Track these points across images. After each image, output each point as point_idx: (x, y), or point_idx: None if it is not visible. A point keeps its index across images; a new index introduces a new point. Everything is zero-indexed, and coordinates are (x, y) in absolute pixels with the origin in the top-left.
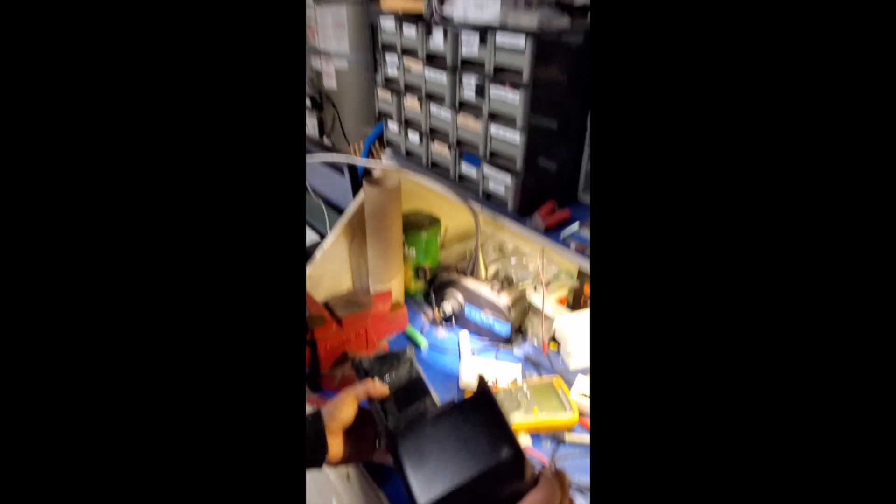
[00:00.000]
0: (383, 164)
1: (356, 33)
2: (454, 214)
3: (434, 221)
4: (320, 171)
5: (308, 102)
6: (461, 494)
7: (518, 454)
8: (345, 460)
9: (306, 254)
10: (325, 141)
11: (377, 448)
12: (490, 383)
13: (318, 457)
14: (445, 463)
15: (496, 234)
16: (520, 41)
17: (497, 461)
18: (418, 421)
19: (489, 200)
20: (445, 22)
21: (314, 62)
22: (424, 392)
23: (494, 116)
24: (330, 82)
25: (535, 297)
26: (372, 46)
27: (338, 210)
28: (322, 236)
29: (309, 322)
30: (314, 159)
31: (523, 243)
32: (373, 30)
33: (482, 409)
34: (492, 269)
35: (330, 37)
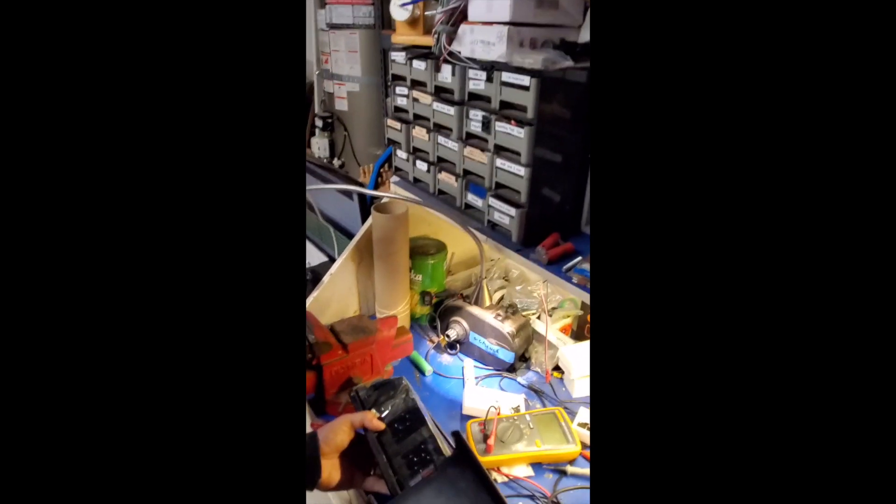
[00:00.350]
0: (393, 196)
1: (368, 57)
2: (460, 241)
3: (441, 248)
4: (329, 196)
5: (319, 124)
6: None
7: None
8: (337, 486)
9: (309, 271)
10: (336, 162)
11: (370, 475)
12: (494, 410)
13: (311, 478)
14: None
15: (502, 261)
16: (525, 80)
17: None
18: (408, 490)
19: (494, 230)
20: (453, 58)
21: (326, 86)
22: (421, 422)
23: (500, 150)
24: (342, 104)
25: (539, 325)
26: (384, 70)
27: (346, 234)
28: (330, 258)
29: (315, 348)
30: (326, 187)
31: (528, 270)
32: (384, 54)
33: (465, 467)
34: (497, 296)
35: (343, 61)
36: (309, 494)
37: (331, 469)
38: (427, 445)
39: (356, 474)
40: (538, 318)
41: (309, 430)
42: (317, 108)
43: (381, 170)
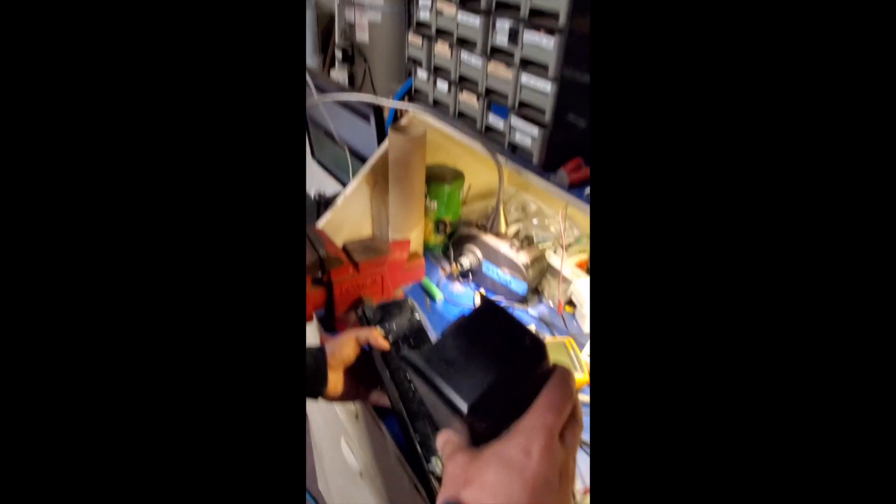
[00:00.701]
0: (411, 106)
1: None
2: (478, 171)
3: (458, 175)
4: (346, 119)
5: (339, 55)
6: (499, 387)
7: (537, 339)
8: (342, 397)
9: (321, 196)
10: None
11: (374, 389)
12: None
13: (317, 388)
14: (475, 365)
15: (519, 194)
16: None
17: (523, 349)
18: (435, 343)
19: (514, 153)
20: None
21: (348, 14)
22: (426, 341)
23: (526, 64)
24: (362, 35)
25: (554, 259)
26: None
27: (362, 159)
28: (345, 186)
29: (326, 262)
30: (344, 97)
31: (546, 205)
32: None
33: (490, 314)
34: (513, 229)
35: None
36: (316, 404)
37: (336, 381)
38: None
39: (360, 388)
40: (554, 252)
41: (317, 343)
42: (337, 39)
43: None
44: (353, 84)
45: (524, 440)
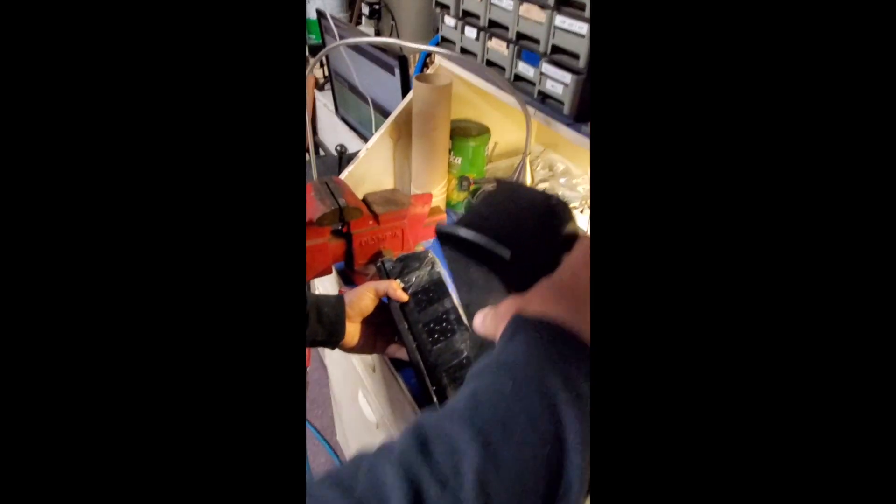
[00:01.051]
0: (437, 50)
1: None
2: (505, 128)
3: (483, 131)
4: (371, 72)
5: (366, 10)
6: (533, 240)
7: (562, 201)
8: (358, 348)
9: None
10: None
11: (392, 342)
12: None
13: (335, 338)
14: (509, 223)
15: (547, 153)
16: None
17: (550, 208)
18: (465, 213)
19: (544, 103)
20: None
21: None
22: (444, 294)
23: (561, 4)
24: None
25: (581, 220)
26: None
27: (385, 114)
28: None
29: (345, 213)
30: (366, 41)
31: (574, 164)
32: None
33: (513, 186)
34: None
35: None
36: (333, 355)
37: (353, 332)
38: (449, 316)
39: (378, 340)
40: (581, 212)
41: (337, 293)
42: None
43: (427, 60)
44: None
45: (569, 271)
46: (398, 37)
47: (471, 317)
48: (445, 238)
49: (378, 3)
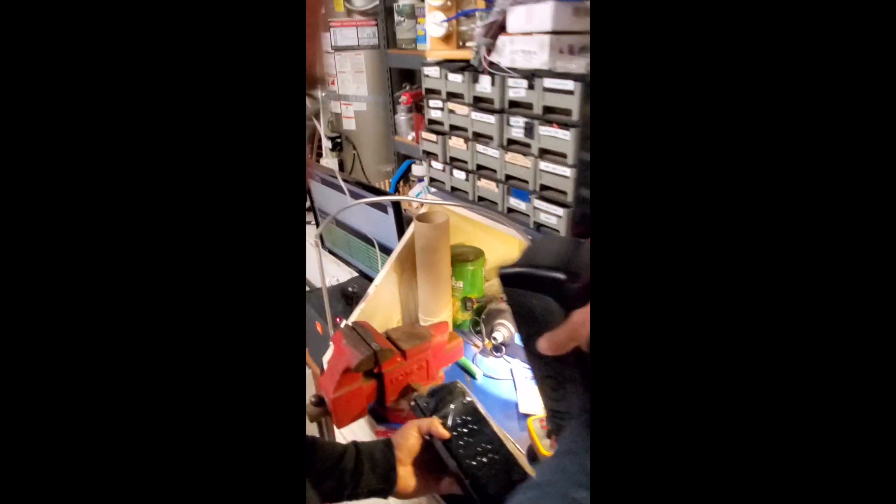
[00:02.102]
0: (436, 201)
1: (374, 76)
2: (495, 247)
3: (479, 254)
4: (359, 209)
5: (328, 144)
6: (576, 269)
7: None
8: (414, 492)
9: (341, 288)
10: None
11: (444, 479)
12: None
13: (388, 486)
14: (553, 254)
15: None
16: (569, 84)
17: (583, 247)
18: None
19: (540, 231)
20: (494, 68)
21: (333, 106)
22: (482, 422)
23: (544, 153)
24: (349, 124)
25: None
26: (390, 88)
27: (380, 247)
28: (361, 273)
29: (379, 356)
30: (365, 200)
31: None
32: (390, 72)
33: (544, 238)
34: None
35: (349, 81)
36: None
37: (406, 476)
38: (493, 443)
39: (429, 479)
40: None
41: (384, 438)
42: (324, 130)
43: (399, 185)
44: (342, 169)
45: None
46: (361, 164)
47: (532, 346)
48: (505, 279)
49: (339, 137)
